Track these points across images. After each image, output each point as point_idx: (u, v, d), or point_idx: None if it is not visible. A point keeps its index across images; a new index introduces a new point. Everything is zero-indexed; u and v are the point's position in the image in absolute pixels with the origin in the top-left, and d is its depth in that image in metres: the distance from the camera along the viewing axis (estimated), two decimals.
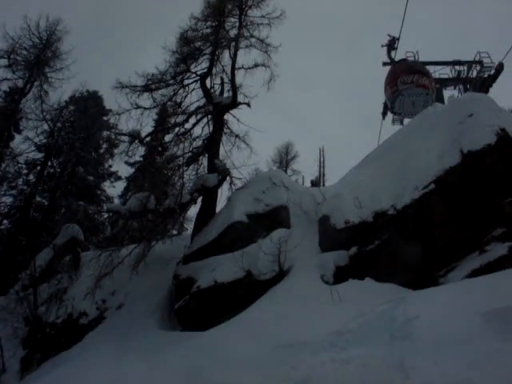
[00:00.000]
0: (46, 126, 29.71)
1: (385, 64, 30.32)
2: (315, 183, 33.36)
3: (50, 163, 31.14)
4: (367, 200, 13.96)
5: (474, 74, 29.36)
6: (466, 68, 29.71)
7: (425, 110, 16.80)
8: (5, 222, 30.13)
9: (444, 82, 29.78)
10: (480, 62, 29.00)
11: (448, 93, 28.73)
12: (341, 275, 12.94)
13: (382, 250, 12.77)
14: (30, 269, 19.93)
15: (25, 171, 31.00)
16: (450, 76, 30.17)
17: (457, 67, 29.97)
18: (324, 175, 38.98)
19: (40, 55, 28.28)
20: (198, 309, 14.66)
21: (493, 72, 27.94)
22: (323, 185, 32.19)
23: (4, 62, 27.43)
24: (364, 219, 13.68)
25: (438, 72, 29.88)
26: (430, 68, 29.60)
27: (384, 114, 31.82)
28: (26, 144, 29.62)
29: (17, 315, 17.98)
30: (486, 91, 26.92)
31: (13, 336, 17.37)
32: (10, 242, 26.84)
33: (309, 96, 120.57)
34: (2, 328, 17.05)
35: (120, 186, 38.21)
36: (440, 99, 26.22)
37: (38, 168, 30.56)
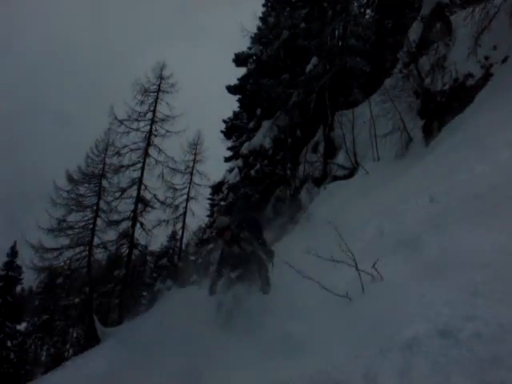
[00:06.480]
0: None
1: None
2: None
3: None
4: None
5: None
6: None
7: None
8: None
9: None
10: None
11: None
12: None
13: None
14: (406, 46, 20.49)
15: None
16: None
17: None
18: None
19: None
20: None
21: None
22: None
23: None
24: None
25: None
26: None
27: None
28: None
29: (406, 91, 19.11)
30: None
31: (408, 109, 18.78)
32: (378, 29, 28.14)
33: None
34: (397, 104, 18.48)
35: None
36: None
37: None
